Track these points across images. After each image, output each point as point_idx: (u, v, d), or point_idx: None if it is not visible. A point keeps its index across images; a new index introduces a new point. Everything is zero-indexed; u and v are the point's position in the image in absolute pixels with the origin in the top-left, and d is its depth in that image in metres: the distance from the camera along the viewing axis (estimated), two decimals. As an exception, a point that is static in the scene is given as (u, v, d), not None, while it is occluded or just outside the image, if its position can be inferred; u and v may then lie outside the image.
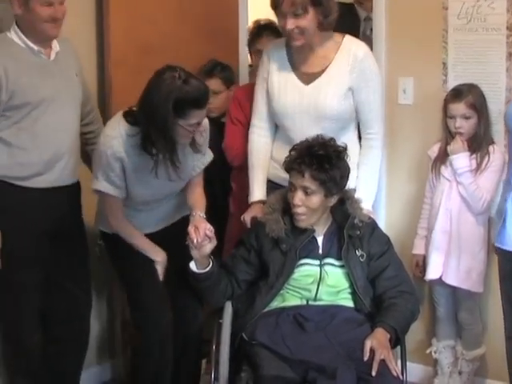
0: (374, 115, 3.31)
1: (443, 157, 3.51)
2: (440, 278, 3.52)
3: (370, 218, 3.12)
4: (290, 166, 2.99)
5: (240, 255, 3.12)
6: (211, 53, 3.97)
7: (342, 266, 3.02)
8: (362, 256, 3.02)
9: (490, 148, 3.42)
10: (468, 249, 3.47)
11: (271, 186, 3.37)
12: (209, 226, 3.03)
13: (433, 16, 3.65)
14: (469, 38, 3.59)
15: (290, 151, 3.02)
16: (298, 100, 3.24)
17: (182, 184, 3.24)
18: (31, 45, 3.11)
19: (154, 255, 3.19)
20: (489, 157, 3.41)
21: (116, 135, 3.03)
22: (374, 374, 2.71)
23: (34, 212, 3.18)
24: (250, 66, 4.11)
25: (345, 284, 3.02)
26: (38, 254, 3.20)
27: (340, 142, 3.07)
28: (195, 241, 2.97)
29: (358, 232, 3.03)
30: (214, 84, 3.76)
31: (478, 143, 3.42)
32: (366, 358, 2.77)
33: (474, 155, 3.42)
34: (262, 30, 3.74)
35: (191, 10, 3.98)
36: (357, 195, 3.15)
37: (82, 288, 3.44)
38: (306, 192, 2.94)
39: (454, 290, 3.58)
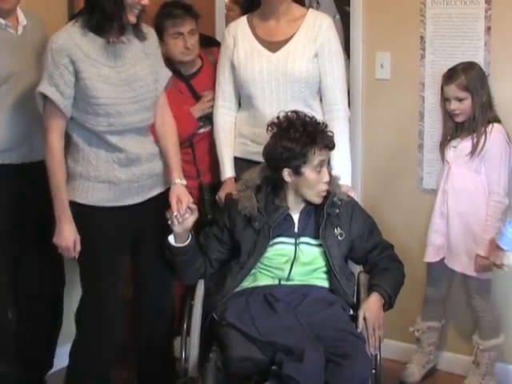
0: (338, 85, 3.33)
1: (446, 139, 3.46)
2: (441, 261, 3.47)
3: (348, 196, 3.09)
4: (315, 146, 2.90)
5: (213, 234, 3.09)
6: None
7: (318, 245, 2.99)
8: (340, 234, 3.00)
9: (488, 128, 3.33)
10: (471, 232, 3.38)
11: (240, 163, 3.39)
12: (190, 198, 2.99)
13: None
14: (447, 11, 3.56)
15: (294, 130, 2.89)
16: (266, 67, 3.28)
17: (145, 102, 2.99)
18: None
19: (59, 230, 2.92)
20: (485, 137, 3.31)
21: (62, 30, 2.89)
22: (372, 352, 2.81)
23: (6, 187, 3.11)
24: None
25: (320, 262, 2.99)
26: (8, 229, 3.14)
27: (308, 110, 3.10)
28: (177, 214, 2.92)
29: (338, 210, 3.01)
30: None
31: (474, 124, 3.34)
32: (359, 330, 2.85)
33: (471, 137, 3.34)
34: (181, 12, 3.48)
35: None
36: (334, 172, 3.12)
37: (55, 264, 3.36)
38: (327, 167, 2.98)
39: (453, 274, 3.51)
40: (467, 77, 3.32)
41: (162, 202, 3.04)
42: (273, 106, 3.24)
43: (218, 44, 3.68)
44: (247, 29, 3.37)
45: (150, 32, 3.04)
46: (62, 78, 2.83)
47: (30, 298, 3.36)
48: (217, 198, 3.35)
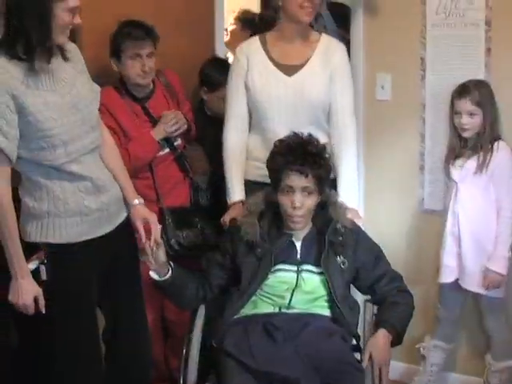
0: (347, 109, 3.32)
1: (451, 157, 3.43)
2: (455, 281, 3.44)
3: (353, 223, 3.05)
4: (287, 167, 2.87)
5: (215, 259, 3.05)
6: (185, 45, 3.87)
7: (320, 273, 2.94)
8: (343, 263, 2.94)
9: (495, 145, 3.32)
10: (483, 251, 3.36)
11: (253, 186, 3.31)
12: (158, 225, 2.89)
13: (411, 11, 3.63)
14: (447, 33, 3.57)
15: (274, 154, 2.94)
16: (283, 91, 3.26)
17: (91, 121, 2.77)
18: None
19: (17, 286, 2.62)
20: (491, 153, 3.31)
21: None
22: None
23: None
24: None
25: (322, 291, 2.94)
26: None
27: (320, 135, 3.11)
28: (149, 248, 2.84)
29: (340, 238, 2.96)
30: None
31: (482, 141, 3.32)
32: (364, 366, 2.78)
33: (477, 155, 3.33)
34: (141, 33, 3.36)
35: (167, 2, 3.87)
36: (341, 195, 3.11)
37: None
38: (306, 192, 2.88)
39: (466, 294, 3.48)
40: (480, 93, 3.31)
41: (127, 229, 2.91)
42: (288, 128, 3.15)
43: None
44: (261, 50, 3.33)
45: (73, 48, 2.78)
46: (3, 118, 2.53)
47: None
48: (221, 221, 3.30)
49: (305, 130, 3.03)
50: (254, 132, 3.38)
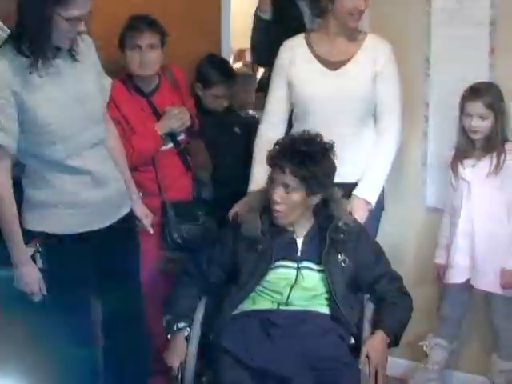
0: (393, 109, 3.34)
1: (460, 157, 3.41)
2: (465, 282, 3.41)
3: (355, 220, 3.05)
4: (271, 160, 2.94)
5: (214, 257, 3.04)
6: (191, 44, 3.84)
7: (320, 271, 2.94)
8: (344, 261, 2.94)
9: (506, 146, 3.33)
10: (497, 250, 3.35)
11: None
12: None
13: (416, 10, 3.62)
14: (452, 32, 3.56)
15: (274, 145, 2.98)
16: (328, 85, 3.29)
17: (96, 116, 2.81)
18: None
19: (22, 273, 2.69)
20: (505, 155, 3.31)
21: None
22: None
23: None
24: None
25: (321, 289, 2.94)
26: None
27: (360, 134, 3.24)
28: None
29: (342, 235, 2.95)
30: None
31: (494, 143, 3.32)
32: (360, 366, 2.77)
33: (489, 156, 3.33)
34: (142, 25, 3.40)
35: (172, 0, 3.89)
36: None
37: None
38: (287, 188, 2.88)
39: (474, 294, 3.47)
40: (493, 96, 3.31)
41: (129, 224, 2.96)
42: (331, 124, 3.19)
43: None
44: (305, 46, 3.35)
45: (86, 41, 2.80)
46: (3, 112, 2.57)
47: None
48: (229, 214, 3.27)
49: (347, 126, 3.15)
50: (297, 127, 3.36)
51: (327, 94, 3.27)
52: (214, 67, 3.89)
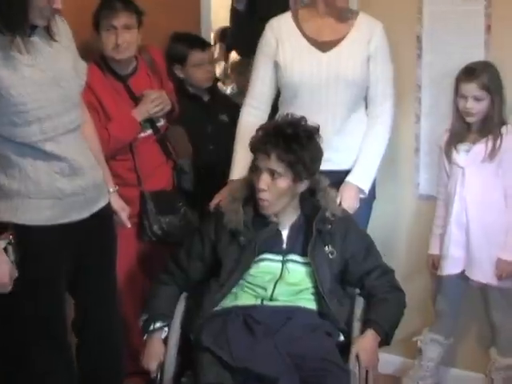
0: (387, 92, 3.25)
1: (454, 141, 3.30)
2: (461, 273, 3.30)
3: (344, 211, 2.95)
4: (255, 146, 2.83)
5: (195, 251, 2.93)
6: (170, 24, 3.76)
7: (306, 264, 2.83)
8: (331, 253, 2.84)
9: (503, 129, 3.22)
10: (493, 240, 3.24)
11: None
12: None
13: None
14: (445, 9, 3.45)
15: (256, 131, 2.86)
16: (317, 67, 3.15)
17: (73, 99, 2.71)
18: None
19: None
20: (501, 139, 3.20)
21: None
22: None
23: None
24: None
25: (307, 283, 2.83)
26: None
27: (352, 118, 3.14)
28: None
29: (329, 226, 2.85)
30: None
31: (490, 126, 3.21)
32: (351, 366, 2.68)
33: (485, 140, 3.21)
34: (117, 4, 3.29)
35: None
36: (326, 184, 2.97)
37: None
38: (273, 175, 2.77)
39: (470, 286, 3.35)
40: (488, 77, 3.19)
41: (106, 218, 2.87)
42: (320, 108, 3.09)
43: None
44: (292, 25, 3.21)
45: (61, 22, 2.73)
46: None
47: None
48: (210, 204, 3.15)
49: (337, 110, 3.06)
50: (282, 111, 3.19)
51: (316, 78, 3.14)
52: (180, 40, 3.81)
